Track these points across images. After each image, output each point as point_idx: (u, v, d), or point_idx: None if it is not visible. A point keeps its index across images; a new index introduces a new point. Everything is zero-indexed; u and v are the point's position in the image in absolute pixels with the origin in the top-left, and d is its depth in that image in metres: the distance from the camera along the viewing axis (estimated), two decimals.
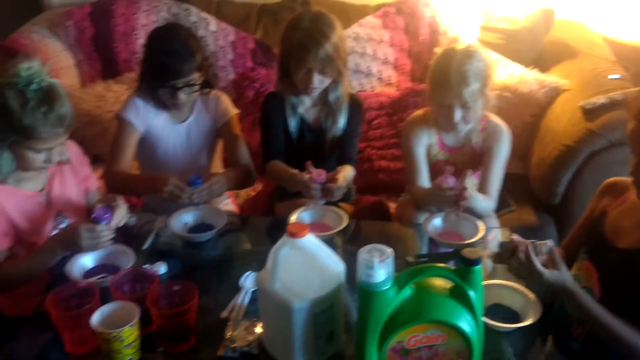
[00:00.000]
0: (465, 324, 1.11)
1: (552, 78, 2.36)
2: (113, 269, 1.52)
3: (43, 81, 1.47)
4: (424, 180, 1.90)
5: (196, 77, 1.86)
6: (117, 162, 1.92)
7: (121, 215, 1.56)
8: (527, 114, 2.31)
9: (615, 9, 2.64)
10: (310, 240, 1.21)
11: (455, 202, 1.66)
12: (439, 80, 1.76)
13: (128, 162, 1.94)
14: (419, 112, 1.95)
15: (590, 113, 2.04)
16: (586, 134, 2.00)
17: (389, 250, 1.11)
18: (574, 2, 2.69)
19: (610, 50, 2.48)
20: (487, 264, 1.50)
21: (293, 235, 1.18)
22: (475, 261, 1.11)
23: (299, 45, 1.82)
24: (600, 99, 2.04)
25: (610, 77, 2.19)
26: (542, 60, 2.50)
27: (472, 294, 1.11)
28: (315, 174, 1.72)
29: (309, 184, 1.70)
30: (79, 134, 2.05)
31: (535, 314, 1.33)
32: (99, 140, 2.31)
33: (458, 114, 1.76)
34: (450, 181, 1.66)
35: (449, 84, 1.72)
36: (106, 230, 1.49)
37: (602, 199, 1.44)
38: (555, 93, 2.30)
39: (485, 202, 1.82)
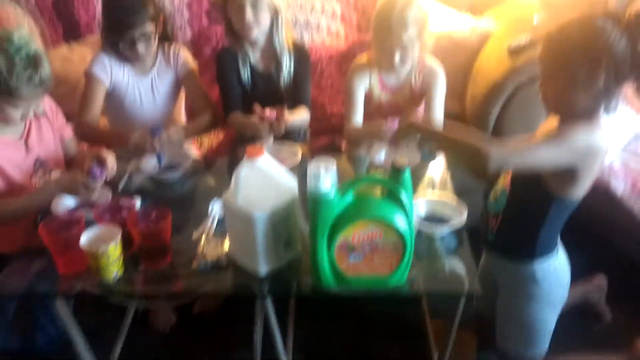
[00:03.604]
0: (399, 220, 1.30)
1: (483, 23, 2.57)
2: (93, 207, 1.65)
3: (31, 49, 1.62)
4: (359, 117, 2.11)
5: (151, 27, 2.00)
6: (85, 113, 2.07)
7: (111, 170, 1.74)
8: (462, 57, 2.51)
9: None
10: (267, 160, 1.39)
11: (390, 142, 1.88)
12: (381, 24, 1.96)
13: (96, 114, 2.09)
14: (362, 56, 2.15)
15: (514, 52, 2.26)
16: (510, 70, 2.21)
17: (333, 162, 1.31)
18: None
19: None
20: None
21: (251, 156, 1.36)
22: (404, 167, 1.31)
23: None
24: (522, 40, 2.27)
25: (535, 20, 2.41)
26: (475, 7, 2.71)
27: (403, 194, 1.31)
28: (267, 112, 1.95)
29: (257, 124, 1.94)
30: (48, 93, 2.18)
31: (460, 217, 1.56)
32: (67, 99, 2.38)
33: (397, 56, 1.97)
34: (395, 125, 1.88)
35: (391, 29, 1.92)
36: (98, 186, 1.67)
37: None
38: (485, 37, 2.51)
39: None
